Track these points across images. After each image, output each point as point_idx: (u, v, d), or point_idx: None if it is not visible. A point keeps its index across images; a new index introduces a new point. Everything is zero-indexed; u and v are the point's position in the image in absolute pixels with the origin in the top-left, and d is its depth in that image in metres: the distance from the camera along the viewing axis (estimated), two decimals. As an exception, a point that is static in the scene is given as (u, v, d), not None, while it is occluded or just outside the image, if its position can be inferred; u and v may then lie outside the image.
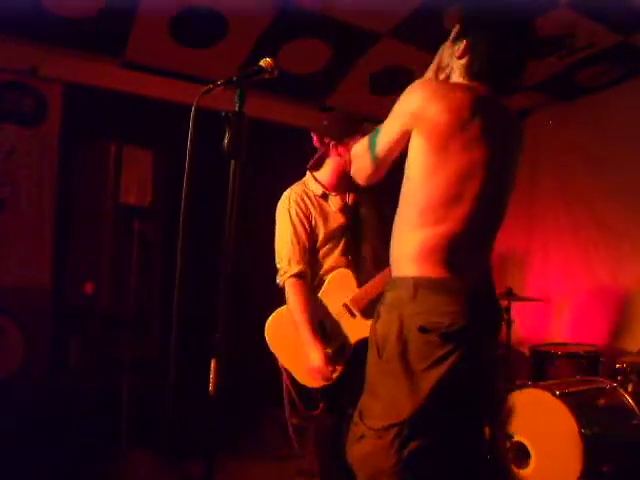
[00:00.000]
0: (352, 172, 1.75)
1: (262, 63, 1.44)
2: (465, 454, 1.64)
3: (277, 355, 2.19)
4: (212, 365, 1.31)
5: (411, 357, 1.49)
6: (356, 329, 2.11)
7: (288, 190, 2.29)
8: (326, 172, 2.30)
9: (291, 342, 2.11)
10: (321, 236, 2.21)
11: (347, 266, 2.20)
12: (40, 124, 3.20)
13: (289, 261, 2.15)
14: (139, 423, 2.94)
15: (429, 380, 1.48)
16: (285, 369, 2.16)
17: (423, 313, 1.48)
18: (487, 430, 2.81)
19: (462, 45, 1.59)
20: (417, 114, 1.49)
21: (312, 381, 2.08)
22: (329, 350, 2.07)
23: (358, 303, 2.12)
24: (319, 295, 2.19)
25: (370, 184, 1.73)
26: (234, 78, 1.39)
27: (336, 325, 2.15)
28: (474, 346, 1.52)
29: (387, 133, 1.59)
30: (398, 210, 1.60)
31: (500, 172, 1.57)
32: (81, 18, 2.92)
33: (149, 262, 3.33)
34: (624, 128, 3.71)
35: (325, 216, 2.24)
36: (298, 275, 2.13)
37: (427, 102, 1.49)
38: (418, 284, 1.49)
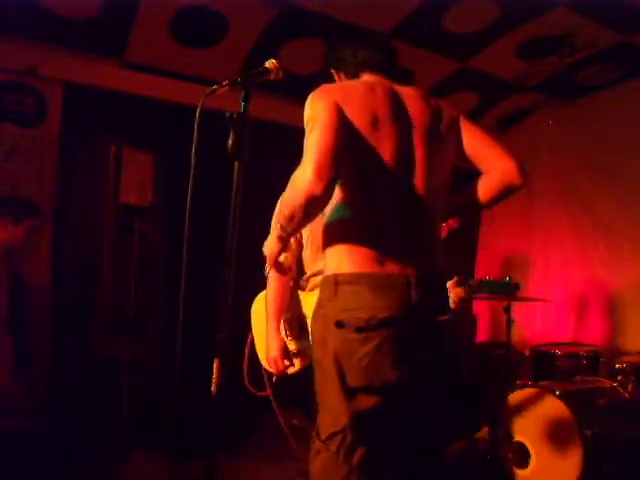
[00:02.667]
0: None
1: (267, 64, 1.43)
2: (420, 453, 1.56)
3: (253, 329, 2.36)
4: (215, 365, 1.31)
5: (338, 357, 1.43)
6: None
7: None
8: None
9: (263, 327, 2.26)
10: (308, 237, 2.24)
11: None
12: (40, 124, 3.20)
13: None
14: (139, 423, 2.94)
15: (359, 379, 1.42)
16: (252, 343, 2.34)
17: (343, 310, 1.43)
18: (487, 430, 2.82)
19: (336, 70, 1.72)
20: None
21: (268, 366, 2.23)
22: (294, 346, 2.17)
23: None
24: (311, 292, 2.21)
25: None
26: (239, 79, 1.38)
27: None
28: (403, 340, 1.44)
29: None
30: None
31: (423, 159, 1.52)
32: (81, 18, 2.92)
33: (149, 262, 3.33)
34: (624, 128, 3.72)
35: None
36: None
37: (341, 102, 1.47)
38: (339, 280, 1.45)
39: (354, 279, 1.44)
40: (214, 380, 1.30)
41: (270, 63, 1.43)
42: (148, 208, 3.14)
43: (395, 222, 1.49)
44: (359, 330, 1.40)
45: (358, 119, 1.45)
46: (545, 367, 3.11)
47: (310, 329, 1.58)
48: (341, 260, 1.47)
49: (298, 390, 2.23)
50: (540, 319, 4.21)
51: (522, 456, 2.55)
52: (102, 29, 3.01)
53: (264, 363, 2.28)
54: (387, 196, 1.48)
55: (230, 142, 1.32)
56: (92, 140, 3.22)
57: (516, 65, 3.70)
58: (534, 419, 2.56)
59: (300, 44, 3.31)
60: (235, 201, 1.32)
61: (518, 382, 2.84)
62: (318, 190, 1.34)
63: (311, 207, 1.39)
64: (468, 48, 3.49)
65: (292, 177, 1.72)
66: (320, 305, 1.50)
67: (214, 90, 1.37)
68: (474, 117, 4.44)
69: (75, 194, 3.34)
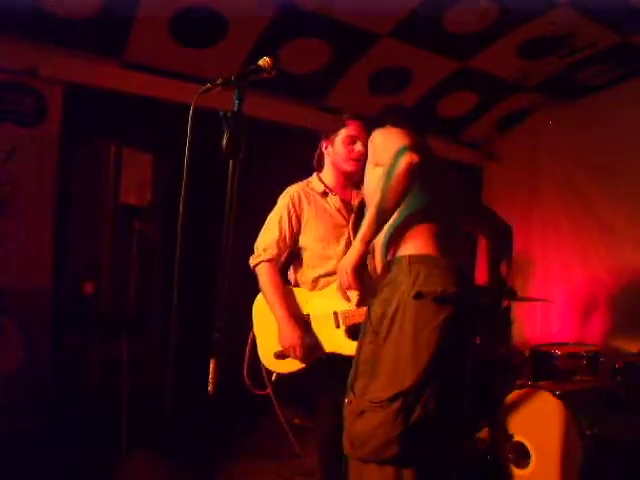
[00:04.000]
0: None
1: (261, 62, 1.44)
2: (455, 421, 1.72)
3: (255, 329, 2.36)
4: (211, 365, 1.31)
5: (409, 326, 1.60)
6: (333, 341, 2.14)
7: (291, 186, 2.38)
8: (327, 171, 2.37)
9: (265, 326, 2.26)
10: (314, 233, 2.26)
11: None
12: (40, 124, 3.19)
13: (265, 249, 2.26)
14: (139, 423, 2.94)
15: (429, 345, 1.59)
16: (253, 342, 2.35)
17: (417, 284, 1.63)
18: (487, 430, 2.82)
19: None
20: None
21: (276, 365, 2.23)
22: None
23: (349, 319, 2.12)
24: (321, 291, 2.23)
25: None
26: (232, 78, 1.38)
27: (317, 326, 2.19)
28: (467, 312, 1.70)
29: None
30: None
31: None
32: (81, 18, 2.92)
33: (149, 262, 3.33)
34: (624, 128, 3.72)
35: (321, 214, 2.28)
36: (269, 261, 2.26)
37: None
38: (412, 260, 1.69)
39: (426, 260, 1.69)
40: (210, 380, 1.30)
41: (263, 61, 1.44)
42: (147, 208, 3.15)
43: (444, 226, 1.81)
44: (436, 300, 1.61)
45: None
46: (545, 367, 3.10)
47: (373, 304, 1.76)
48: (414, 245, 1.73)
49: (299, 389, 2.23)
50: (540, 319, 4.21)
51: (522, 456, 2.55)
52: (102, 29, 3.01)
53: (265, 362, 2.28)
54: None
55: (225, 141, 1.33)
56: (92, 140, 3.22)
57: (516, 65, 3.70)
58: (534, 419, 2.56)
59: (300, 44, 3.32)
60: (230, 200, 1.32)
61: (518, 382, 2.84)
62: (416, 157, 1.63)
63: (413, 172, 1.64)
64: (468, 48, 3.49)
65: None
66: (390, 282, 1.71)
67: (208, 89, 1.38)
68: (474, 117, 4.45)
69: (75, 194, 3.34)
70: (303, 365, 2.16)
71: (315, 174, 2.40)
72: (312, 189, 2.35)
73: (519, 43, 3.44)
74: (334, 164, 2.33)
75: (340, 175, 2.33)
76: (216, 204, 1.48)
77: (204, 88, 1.36)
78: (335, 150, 2.30)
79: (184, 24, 3.07)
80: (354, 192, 2.34)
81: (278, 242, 2.26)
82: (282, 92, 3.65)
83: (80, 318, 3.22)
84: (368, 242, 1.69)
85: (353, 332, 2.05)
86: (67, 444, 2.82)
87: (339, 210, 2.30)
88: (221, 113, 1.33)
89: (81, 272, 3.28)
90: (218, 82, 1.37)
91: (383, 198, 1.65)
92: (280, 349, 2.18)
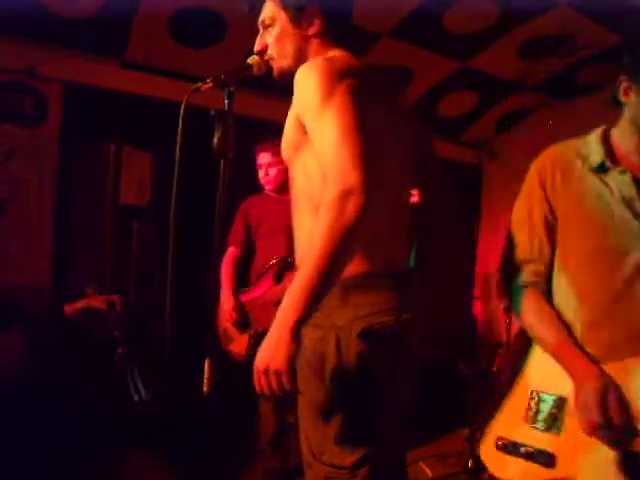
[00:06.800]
0: None
1: (250, 61, 1.44)
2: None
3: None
4: (206, 365, 1.30)
5: (360, 370, 1.22)
6: None
7: None
8: None
9: None
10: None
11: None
12: (40, 124, 3.19)
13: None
14: (139, 423, 2.94)
15: (385, 389, 1.26)
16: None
17: (360, 317, 1.23)
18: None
19: None
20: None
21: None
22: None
23: None
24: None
25: None
26: (222, 76, 1.38)
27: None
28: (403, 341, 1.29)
29: None
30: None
31: None
32: (81, 18, 2.92)
33: (149, 262, 3.33)
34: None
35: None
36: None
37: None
38: (348, 285, 1.24)
39: (366, 282, 1.29)
40: (205, 380, 1.29)
41: (252, 59, 1.44)
42: (147, 207, 3.15)
43: (387, 219, 1.36)
44: (385, 338, 1.24)
45: None
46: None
47: (308, 340, 1.29)
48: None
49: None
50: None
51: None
52: (102, 29, 3.01)
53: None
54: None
55: (215, 140, 1.32)
56: (92, 140, 3.21)
57: (516, 65, 3.70)
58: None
59: (300, 44, 3.31)
60: (220, 199, 1.32)
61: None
62: (361, 199, 1.13)
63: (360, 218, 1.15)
64: (468, 48, 3.49)
65: None
66: (322, 315, 1.25)
67: (198, 88, 1.36)
68: (474, 117, 4.45)
69: (75, 194, 3.34)
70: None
71: None
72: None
73: (519, 43, 3.43)
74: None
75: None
76: (213, 203, 1.47)
77: (194, 87, 1.35)
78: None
79: (184, 24, 3.07)
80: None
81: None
82: (282, 91, 3.65)
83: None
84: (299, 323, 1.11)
85: None
86: (66, 444, 2.82)
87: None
88: (212, 111, 1.32)
89: (81, 272, 3.28)
90: (208, 81, 1.37)
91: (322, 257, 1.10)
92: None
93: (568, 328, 1.30)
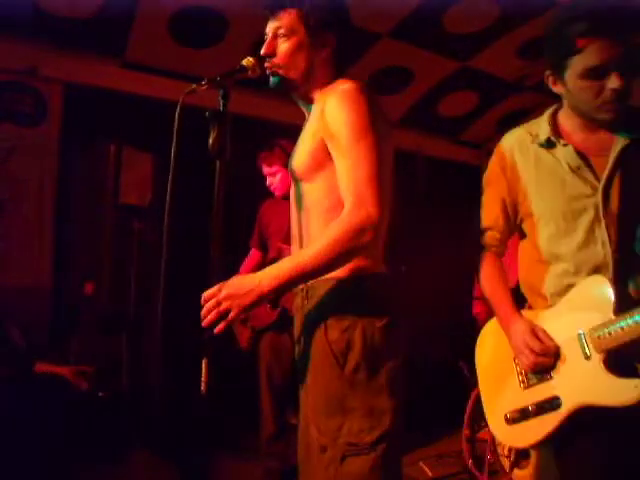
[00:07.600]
0: None
1: (244, 62, 1.44)
2: None
3: None
4: (203, 365, 1.30)
5: (380, 357, 1.36)
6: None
7: None
8: None
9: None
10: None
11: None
12: (40, 124, 3.20)
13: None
14: (139, 423, 2.94)
15: (402, 377, 1.41)
16: None
17: (381, 310, 1.39)
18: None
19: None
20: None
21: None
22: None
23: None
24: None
25: None
26: (217, 78, 1.38)
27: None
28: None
29: None
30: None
31: None
32: (81, 18, 2.93)
33: (149, 262, 3.33)
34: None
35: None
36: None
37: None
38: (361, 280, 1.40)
39: (381, 279, 1.48)
40: (203, 380, 1.29)
41: (247, 61, 1.44)
42: (147, 207, 3.15)
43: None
44: (402, 327, 1.44)
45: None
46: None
47: (325, 334, 1.40)
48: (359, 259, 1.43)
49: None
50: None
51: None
52: (102, 29, 3.01)
53: None
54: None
55: (211, 141, 1.32)
56: (92, 140, 3.21)
57: (516, 65, 3.70)
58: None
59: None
60: (217, 200, 1.32)
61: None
62: (376, 213, 1.31)
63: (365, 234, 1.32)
64: (468, 48, 3.49)
65: None
66: (340, 309, 1.42)
67: (193, 90, 1.36)
68: (474, 117, 4.45)
69: (75, 194, 3.34)
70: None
71: None
72: None
73: (519, 43, 3.44)
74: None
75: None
76: (212, 203, 1.48)
77: (189, 89, 1.35)
78: None
79: (183, 24, 3.07)
80: None
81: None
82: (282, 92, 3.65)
83: (80, 318, 3.22)
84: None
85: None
86: (66, 444, 2.82)
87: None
88: (208, 112, 1.32)
89: (81, 272, 3.28)
90: (203, 82, 1.36)
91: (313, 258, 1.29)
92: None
93: (508, 288, 1.58)
